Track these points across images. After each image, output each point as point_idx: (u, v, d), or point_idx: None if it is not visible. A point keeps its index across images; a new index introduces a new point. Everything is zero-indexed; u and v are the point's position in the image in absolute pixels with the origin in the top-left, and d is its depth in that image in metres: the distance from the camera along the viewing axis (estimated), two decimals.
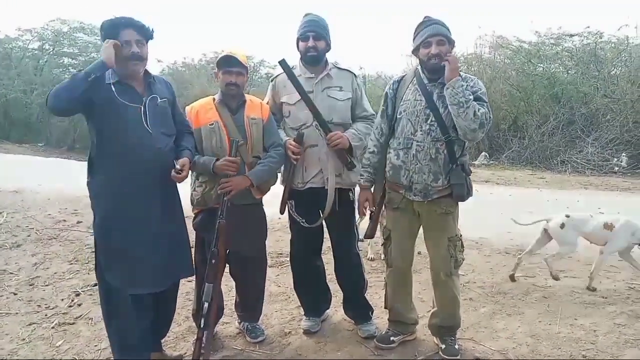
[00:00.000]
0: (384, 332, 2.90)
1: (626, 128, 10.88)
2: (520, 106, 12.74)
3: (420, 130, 2.55)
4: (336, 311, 3.27)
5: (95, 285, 2.77)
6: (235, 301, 3.05)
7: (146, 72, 2.41)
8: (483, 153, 11.82)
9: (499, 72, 13.32)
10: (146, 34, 2.34)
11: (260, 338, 2.93)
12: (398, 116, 2.66)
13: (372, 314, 3.08)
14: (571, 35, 12.84)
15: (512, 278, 3.87)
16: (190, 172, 2.57)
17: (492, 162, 11.63)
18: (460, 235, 2.67)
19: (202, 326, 2.42)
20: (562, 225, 3.77)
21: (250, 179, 2.63)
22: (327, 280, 3.19)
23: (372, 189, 2.85)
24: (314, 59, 2.80)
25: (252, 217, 2.80)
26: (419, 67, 2.66)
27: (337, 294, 3.23)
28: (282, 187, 2.92)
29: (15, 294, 3.69)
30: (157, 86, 2.44)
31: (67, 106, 2.15)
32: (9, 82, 17.66)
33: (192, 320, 2.97)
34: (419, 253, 3.04)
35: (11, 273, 4.12)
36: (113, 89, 2.24)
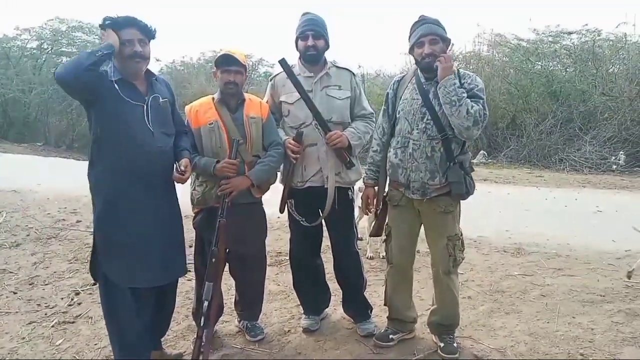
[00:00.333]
0: (383, 331, 2.91)
1: (624, 126, 10.89)
2: (519, 104, 12.75)
3: (417, 129, 2.57)
4: (335, 310, 3.29)
5: (95, 284, 2.78)
6: (235, 300, 3.06)
7: (148, 71, 2.42)
8: (481, 151, 11.83)
9: (497, 70, 13.31)
10: (149, 34, 2.34)
11: (259, 337, 2.95)
12: (397, 115, 2.69)
13: (371, 313, 3.09)
14: (569, 33, 12.84)
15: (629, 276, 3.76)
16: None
17: (490, 160, 11.64)
18: (461, 235, 2.68)
19: (202, 325, 2.43)
20: None
21: (251, 179, 2.64)
22: (326, 279, 3.20)
23: (376, 188, 2.87)
24: (314, 57, 2.81)
25: (251, 216, 2.81)
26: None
27: (336, 293, 3.24)
28: (281, 186, 2.94)
29: (15, 293, 3.70)
30: (159, 86, 2.45)
31: (72, 79, 2.11)
32: (7, 82, 17.62)
33: (192, 319, 2.98)
34: (418, 252, 3.06)
35: (11, 272, 4.13)
36: (116, 86, 2.24)
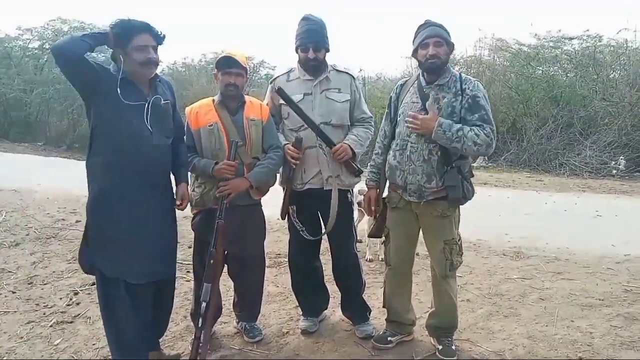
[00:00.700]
0: (381, 333, 2.91)
1: (624, 131, 10.88)
2: (519, 109, 12.75)
3: (415, 132, 2.57)
4: (334, 311, 3.29)
5: (94, 284, 2.78)
6: (234, 301, 3.06)
7: None
8: None
9: (498, 75, 13.32)
10: (159, 40, 2.35)
11: (258, 338, 2.94)
12: (398, 118, 2.70)
13: (369, 315, 3.09)
14: (570, 39, 12.85)
15: None
16: (189, 172, 2.61)
17: (490, 164, 11.63)
18: (459, 239, 2.68)
19: (200, 325, 2.44)
20: None
21: (249, 181, 2.64)
22: (325, 281, 3.20)
23: (378, 190, 2.88)
24: (316, 68, 2.82)
25: (250, 218, 2.81)
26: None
27: (335, 295, 3.24)
28: (281, 188, 2.94)
29: (13, 293, 3.70)
30: (161, 87, 2.46)
31: (70, 53, 2.12)
32: (8, 81, 17.61)
33: (190, 320, 2.98)
34: (417, 254, 3.06)
35: (10, 272, 4.13)
36: (119, 84, 2.24)
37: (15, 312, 3.37)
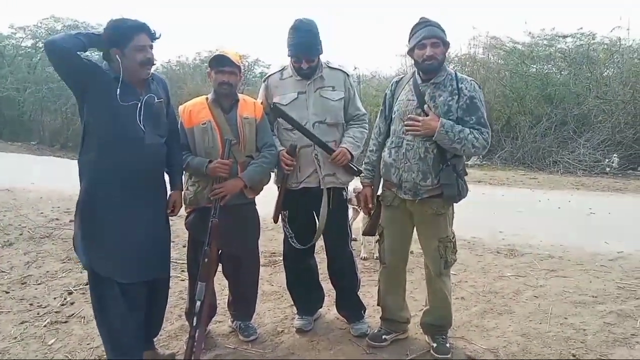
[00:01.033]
0: (376, 331, 2.92)
1: (618, 129, 10.96)
2: (513, 107, 12.82)
3: (414, 134, 2.57)
4: (329, 310, 3.29)
5: (88, 284, 2.77)
6: (228, 300, 3.06)
7: None
8: None
9: (493, 73, 13.38)
10: (154, 38, 2.34)
11: (252, 337, 2.94)
12: (393, 116, 2.70)
13: (364, 313, 3.10)
14: (564, 37, 12.91)
15: None
16: (183, 171, 2.61)
17: (484, 162, 11.68)
18: (453, 237, 2.69)
19: (194, 325, 2.43)
20: None
21: (243, 180, 2.64)
22: (320, 279, 3.20)
23: (373, 187, 2.88)
24: (309, 75, 2.81)
25: (244, 217, 2.81)
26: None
27: (329, 293, 3.24)
28: (275, 187, 2.94)
29: (7, 293, 3.68)
30: (155, 85, 2.44)
31: (62, 48, 2.12)
32: (1, 80, 17.53)
33: (185, 319, 2.97)
34: (412, 252, 3.06)
35: (3, 271, 4.10)
36: (113, 82, 2.23)
37: (9, 312, 3.35)
